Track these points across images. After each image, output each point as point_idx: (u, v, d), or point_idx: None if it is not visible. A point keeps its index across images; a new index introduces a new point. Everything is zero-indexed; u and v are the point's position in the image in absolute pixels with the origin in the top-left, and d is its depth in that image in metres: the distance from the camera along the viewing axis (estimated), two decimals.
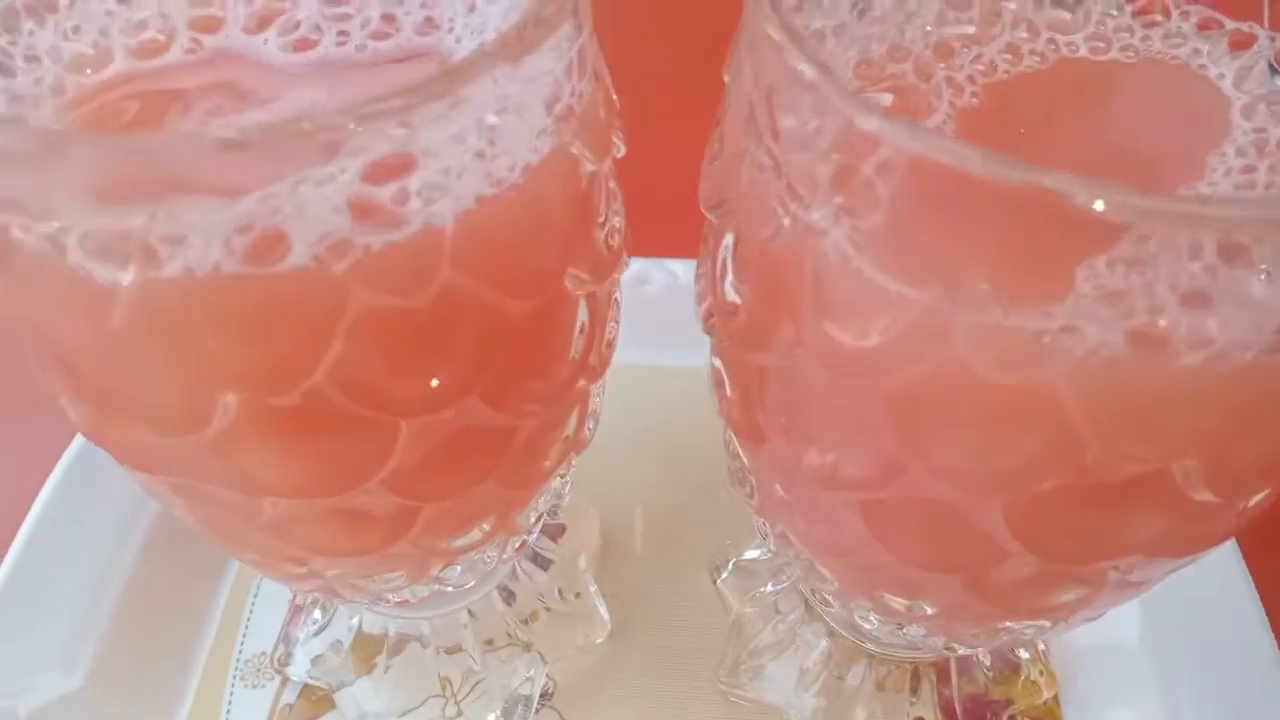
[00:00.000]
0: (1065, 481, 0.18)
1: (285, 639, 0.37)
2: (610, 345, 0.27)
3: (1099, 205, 0.15)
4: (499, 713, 0.36)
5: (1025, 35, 0.24)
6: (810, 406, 0.21)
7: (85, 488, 0.39)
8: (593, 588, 0.39)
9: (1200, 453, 0.18)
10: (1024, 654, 0.36)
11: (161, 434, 0.20)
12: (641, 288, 0.48)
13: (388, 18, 0.24)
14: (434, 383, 0.20)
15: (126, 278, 0.17)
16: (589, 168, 0.21)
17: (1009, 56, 0.24)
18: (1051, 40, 0.24)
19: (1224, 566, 0.37)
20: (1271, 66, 0.23)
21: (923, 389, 0.18)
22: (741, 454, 0.27)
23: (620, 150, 0.24)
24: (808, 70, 0.17)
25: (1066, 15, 0.24)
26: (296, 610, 0.38)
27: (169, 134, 0.20)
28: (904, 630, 0.28)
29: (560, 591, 0.38)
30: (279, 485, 0.21)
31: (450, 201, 0.18)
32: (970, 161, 0.15)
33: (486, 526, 0.26)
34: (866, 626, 0.31)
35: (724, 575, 0.39)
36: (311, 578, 0.27)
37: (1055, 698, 0.36)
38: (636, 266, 0.49)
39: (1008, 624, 0.25)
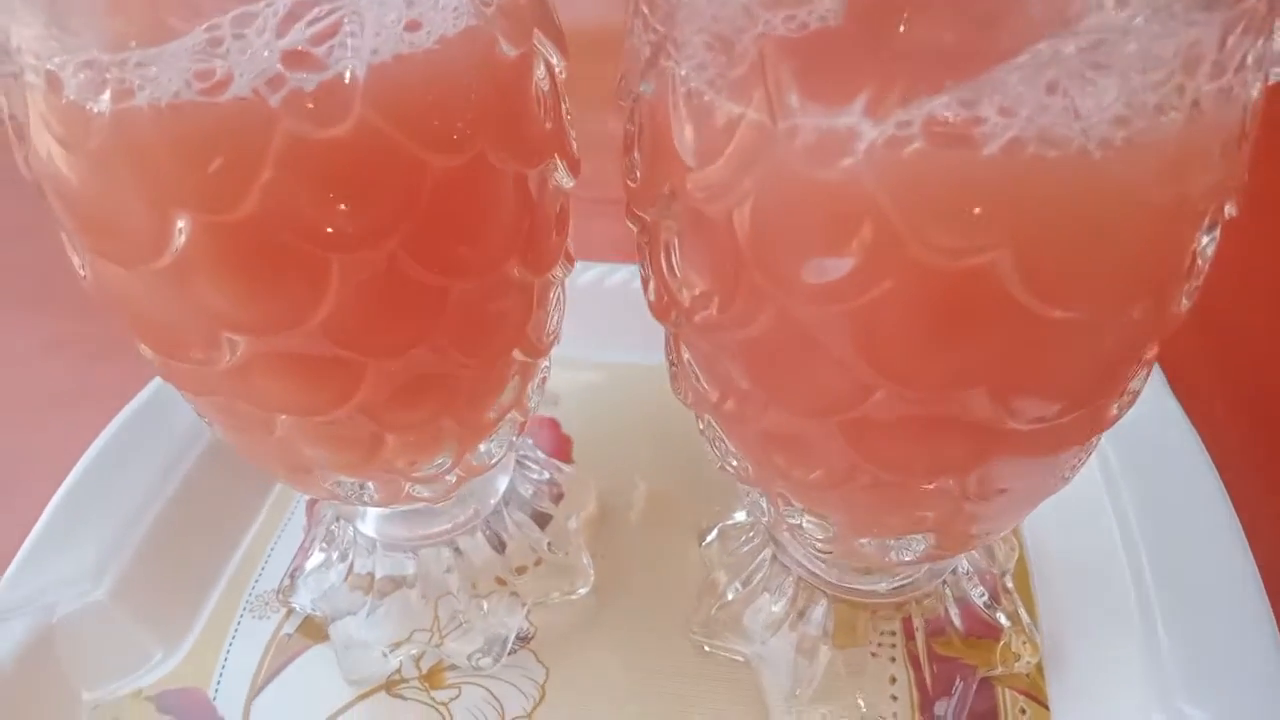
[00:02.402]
0: (897, 284, 0.20)
1: (291, 574, 0.40)
2: (554, 246, 0.29)
3: None
4: (478, 647, 0.37)
5: None
6: (691, 253, 0.23)
7: (142, 429, 0.44)
8: (582, 548, 0.40)
9: (1010, 244, 0.19)
10: (1004, 620, 0.35)
11: (136, 260, 0.24)
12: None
13: None
14: (359, 220, 0.23)
15: (105, 105, 0.22)
16: (508, 51, 0.25)
17: None
18: None
19: (1224, 542, 0.36)
20: None
21: (762, 204, 0.20)
22: (671, 346, 0.28)
23: (559, 65, 0.27)
24: None
25: None
26: (303, 552, 0.41)
27: None
28: (828, 530, 0.28)
29: (550, 546, 0.40)
30: (232, 319, 0.25)
31: (367, 53, 0.22)
32: None
33: (433, 406, 0.29)
34: (811, 548, 0.32)
35: (709, 539, 0.40)
36: (288, 458, 0.30)
37: (1038, 668, 0.35)
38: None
39: (912, 506, 0.26)
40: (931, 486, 0.24)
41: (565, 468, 0.45)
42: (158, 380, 0.46)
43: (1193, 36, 0.18)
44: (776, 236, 0.21)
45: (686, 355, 0.27)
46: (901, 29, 0.18)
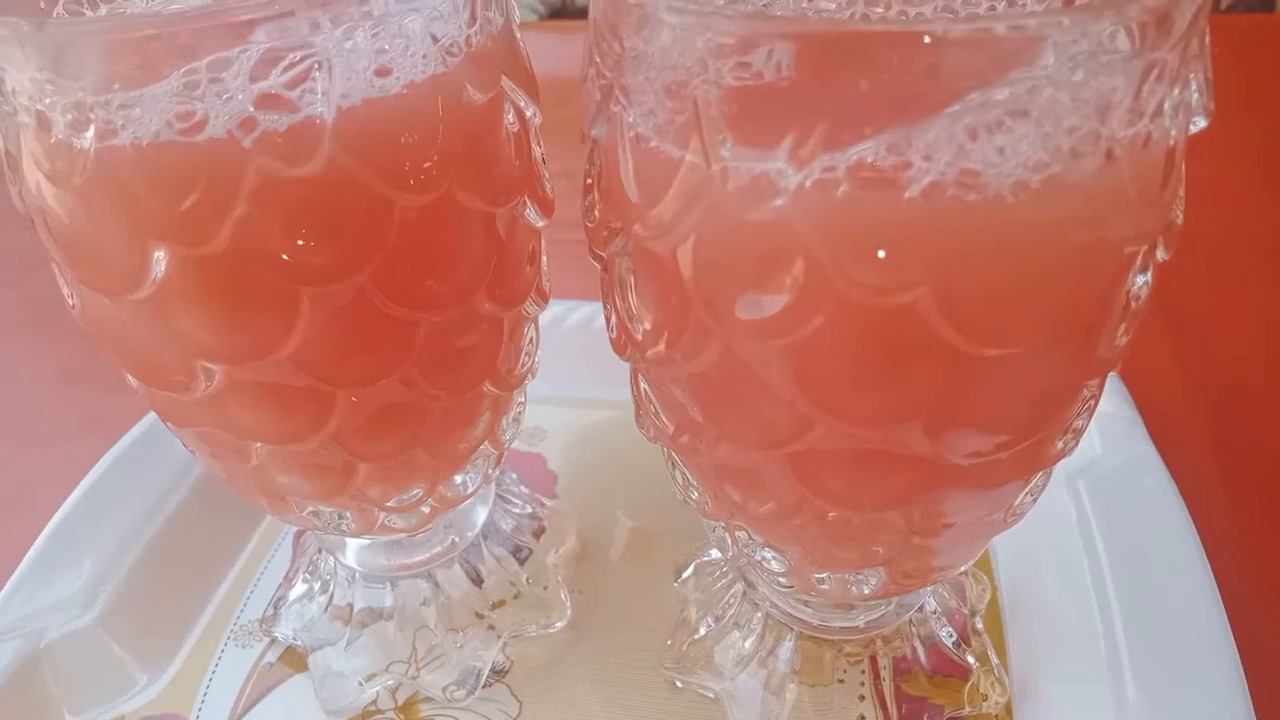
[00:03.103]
0: (828, 320, 0.21)
1: (274, 604, 0.41)
2: (523, 283, 0.30)
3: (813, 30, 0.18)
4: (453, 680, 0.38)
5: (880, 10, 0.28)
6: (642, 290, 0.24)
7: (136, 461, 0.45)
8: (562, 587, 0.41)
9: (932, 282, 0.20)
10: (972, 660, 0.35)
11: (117, 291, 0.25)
12: None
13: None
14: (327, 254, 0.25)
15: (89, 144, 0.23)
16: (475, 98, 0.26)
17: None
18: (903, 12, 0.28)
19: (1195, 588, 0.36)
20: None
21: (702, 243, 0.21)
22: (632, 376, 0.29)
23: (534, 113, 0.28)
24: None
25: None
26: (287, 581, 0.42)
27: (111, 18, 0.26)
28: (785, 564, 0.29)
29: (528, 580, 0.40)
30: (207, 349, 0.26)
31: (337, 97, 0.23)
32: (730, 20, 0.19)
33: (402, 438, 0.30)
34: (775, 583, 0.32)
35: (685, 575, 0.40)
36: (264, 487, 0.31)
37: (1007, 708, 0.35)
38: None
39: (863, 541, 0.26)
40: (877, 520, 0.25)
41: (548, 503, 0.45)
42: (150, 418, 0.48)
43: (1107, 85, 0.19)
44: (716, 274, 0.22)
45: (645, 389, 0.27)
46: (828, 73, 0.19)
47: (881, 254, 0.20)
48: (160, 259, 0.24)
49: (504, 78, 0.27)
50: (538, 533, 0.43)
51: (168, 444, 0.46)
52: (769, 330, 0.21)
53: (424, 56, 0.25)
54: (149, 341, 0.26)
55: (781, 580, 0.31)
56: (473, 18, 0.26)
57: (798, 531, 0.26)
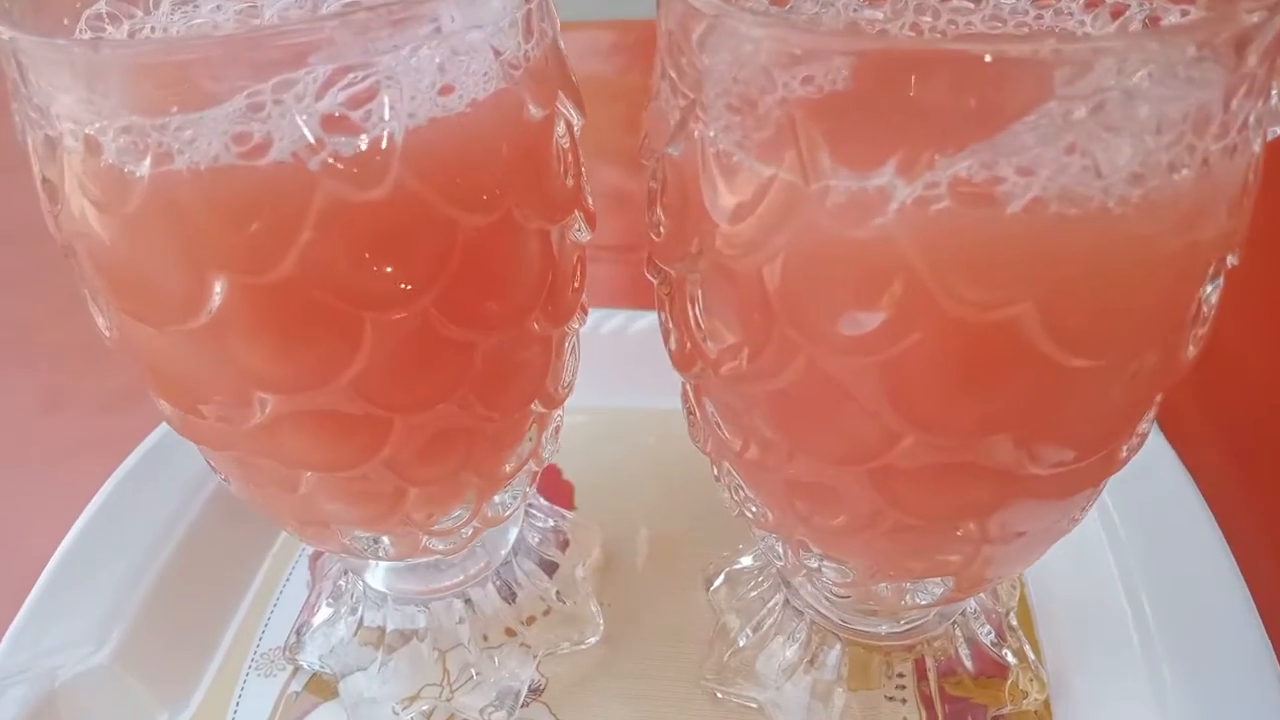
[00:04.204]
0: (926, 337, 0.21)
1: (297, 630, 0.40)
2: (571, 300, 0.30)
3: (916, 52, 0.18)
4: (490, 701, 0.37)
5: (929, 19, 0.28)
6: (719, 306, 0.24)
7: (138, 488, 0.44)
8: (591, 598, 0.40)
9: (1035, 297, 0.20)
10: (1011, 658, 0.36)
11: (169, 321, 0.24)
12: (654, 335, 0.52)
13: None
14: (392, 279, 0.24)
15: (144, 169, 0.22)
16: (535, 114, 0.25)
17: (911, 33, 0.27)
18: (952, 21, 0.28)
19: (1221, 577, 0.37)
20: (1144, 26, 0.26)
21: (794, 260, 0.21)
22: (691, 396, 0.29)
23: (577, 120, 0.28)
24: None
25: (970, 4, 0.28)
26: (309, 607, 0.41)
27: (175, 36, 0.25)
28: (847, 575, 0.29)
29: (559, 594, 0.40)
30: (264, 378, 0.25)
31: (404, 117, 0.23)
32: (823, 37, 0.19)
33: (456, 460, 0.29)
34: (826, 591, 0.32)
35: (716, 584, 0.40)
36: (309, 515, 0.30)
37: (1046, 704, 0.36)
38: (649, 318, 0.53)
39: (933, 550, 0.26)
40: (952, 530, 0.25)
41: (568, 514, 0.45)
42: (152, 439, 0.46)
43: (1203, 100, 0.19)
44: (808, 292, 0.21)
45: (709, 406, 0.27)
46: (921, 90, 0.19)
47: (985, 270, 0.20)
48: (219, 288, 0.23)
49: (559, 91, 0.26)
50: (562, 545, 0.43)
51: (171, 467, 0.45)
52: (863, 347, 0.21)
53: (486, 74, 0.24)
54: (199, 372, 0.25)
55: (837, 590, 0.30)
56: (529, 31, 0.25)
57: (868, 543, 0.26)
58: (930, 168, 0.19)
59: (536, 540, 0.41)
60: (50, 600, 0.39)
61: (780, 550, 0.31)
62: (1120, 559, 0.39)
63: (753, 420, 0.25)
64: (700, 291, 0.25)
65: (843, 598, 0.32)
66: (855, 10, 0.28)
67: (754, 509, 0.29)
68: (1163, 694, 0.34)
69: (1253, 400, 0.50)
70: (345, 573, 0.40)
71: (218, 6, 0.30)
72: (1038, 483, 0.24)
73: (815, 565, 0.29)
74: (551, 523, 0.43)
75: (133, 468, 0.45)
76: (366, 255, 0.23)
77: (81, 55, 0.21)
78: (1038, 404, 0.22)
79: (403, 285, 0.24)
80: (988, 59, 0.18)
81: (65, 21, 0.27)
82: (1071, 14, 0.27)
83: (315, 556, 0.44)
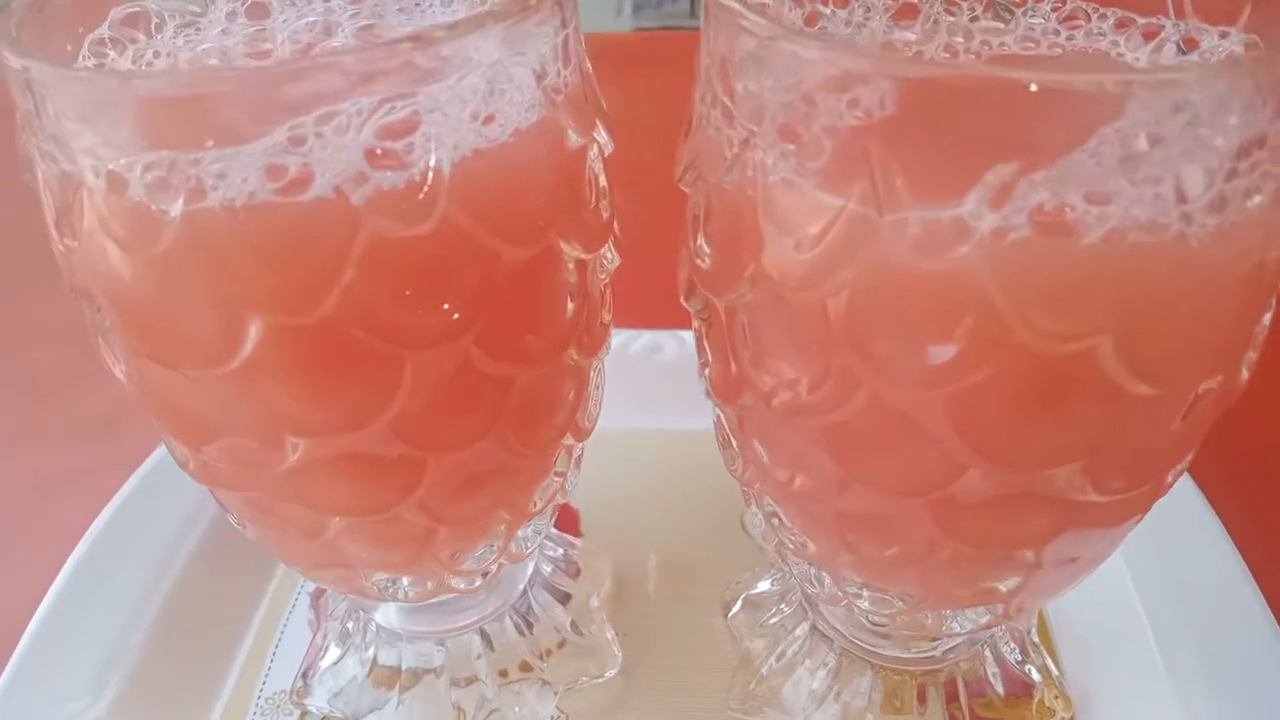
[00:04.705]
0: (999, 369, 0.20)
1: (304, 674, 0.38)
2: (603, 330, 0.29)
3: (995, 82, 0.17)
4: None
5: (961, 40, 0.28)
6: (773, 337, 0.24)
7: (128, 529, 0.42)
8: (606, 626, 0.40)
9: (1114, 328, 0.19)
10: (1036, 676, 0.36)
11: (199, 365, 0.23)
12: (652, 355, 0.51)
13: None
14: (435, 317, 0.23)
15: (176, 207, 0.21)
16: (575, 142, 0.25)
17: (946, 55, 0.27)
18: (985, 42, 0.27)
19: (1242, 598, 0.37)
20: (1178, 47, 0.26)
21: (861, 291, 0.21)
22: (729, 429, 0.28)
23: (608, 145, 0.27)
24: (753, 21, 0.20)
25: (1000, 25, 0.28)
26: (316, 648, 0.39)
27: (211, 67, 0.24)
28: (891, 607, 0.28)
29: (574, 624, 0.39)
30: (299, 422, 0.24)
31: (450, 149, 0.22)
32: (892, 64, 0.19)
33: (489, 498, 0.28)
34: (865, 622, 0.32)
35: (734, 610, 0.40)
36: (331, 559, 0.29)
37: None
38: (648, 337, 0.53)
39: (985, 578, 0.26)
40: (1008, 558, 0.25)
41: (577, 542, 0.44)
42: (137, 477, 0.44)
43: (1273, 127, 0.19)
44: (875, 324, 0.21)
45: (752, 436, 0.26)
46: (999, 118, 0.19)
47: (1064, 301, 0.19)
48: (254, 330, 0.22)
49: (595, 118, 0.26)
50: (574, 574, 0.42)
51: (160, 506, 0.43)
52: (933, 380, 0.21)
53: (529, 102, 0.23)
54: (227, 417, 0.24)
55: (875, 619, 0.30)
56: (567, 57, 0.24)
57: (920, 574, 0.26)
58: (1010, 198, 0.19)
59: (549, 570, 0.40)
60: (41, 651, 0.37)
61: (815, 578, 0.30)
62: (1131, 566, 0.39)
63: (805, 452, 0.25)
64: (751, 321, 0.24)
65: (878, 625, 0.31)
66: (888, 31, 0.28)
67: (793, 539, 0.29)
68: (1187, 703, 0.34)
69: (1256, 406, 0.51)
70: (352, 611, 0.38)
71: (224, 30, 0.29)
72: (1095, 510, 0.24)
73: (857, 593, 0.29)
74: (561, 551, 0.42)
75: (120, 507, 0.42)
76: (409, 292, 0.22)
77: (112, 88, 0.20)
78: (1106, 433, 0.21)
79: (445, 322, 0.23)
80: (1069, 87, 0.18)
81: (68, 48, 0.26)
82: (1104, 34, 0.27)
83: (317, 594, 0.42)
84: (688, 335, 0.52)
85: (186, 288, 0.22)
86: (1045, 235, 0.19)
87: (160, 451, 0.45)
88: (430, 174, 0.21)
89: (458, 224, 0.22)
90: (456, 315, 0.23)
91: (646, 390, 0.49)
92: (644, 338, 0.52)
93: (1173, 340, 0.20)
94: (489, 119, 0.22)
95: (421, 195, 0.21)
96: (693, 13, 1.98)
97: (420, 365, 0.23)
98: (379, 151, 0.21)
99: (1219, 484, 0.43)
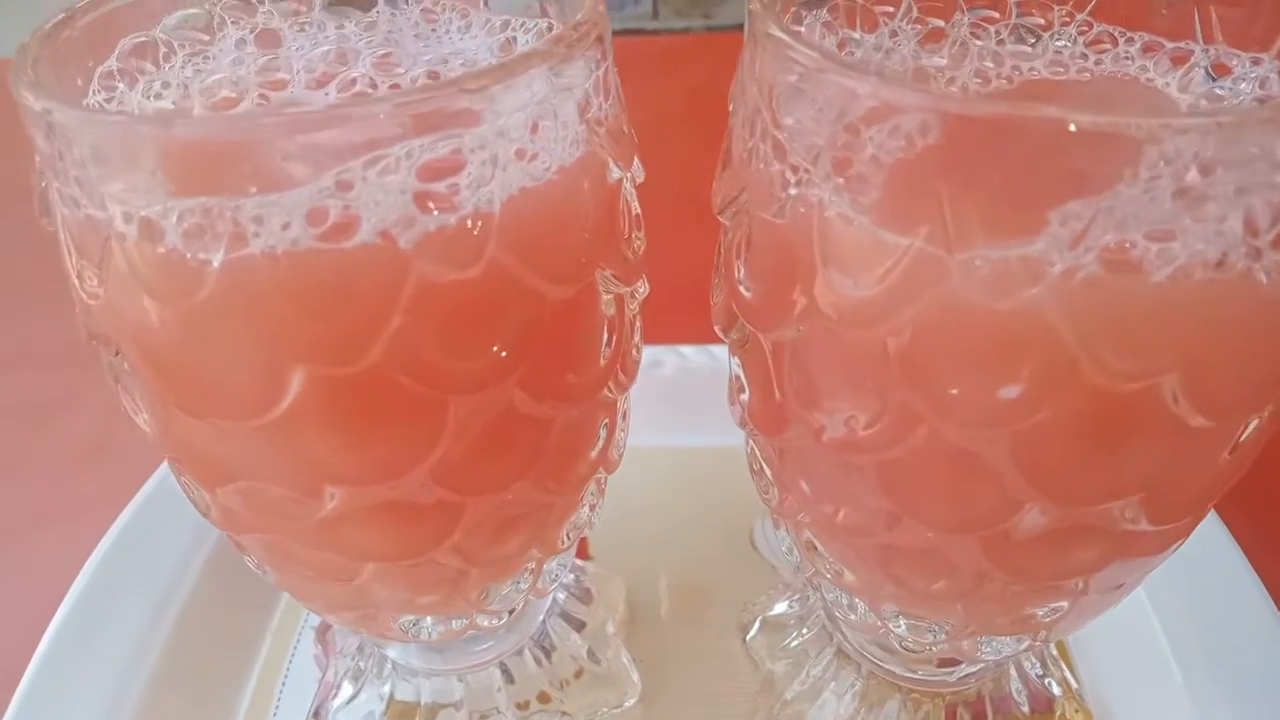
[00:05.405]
0: (1064, 407, 0.20)
1: (315, 713, 0.37)
2: (634, 364, 0.29)
3: (1069, 123, 0.17)
4: None
5: (991, 64, 0.28)
6: (825, 372, 0.23)
7: (121, 570, 0.40)
8: (623, 652, 0.39)
9: (1181, 365, 0.19)
10: (1056, 690, 0.36)
11: (235, 417, 0.22)
12: (652, 371, 0.51)
13: (433, 75, 0.27)
14: (481, 361, 0.22)
15: (216, 256, 0.20)
16: (615, 175, 0.24)
17: (979, 80, 0.27)
18: (1016, 67, 0.27)
19: (1252, 602, 0.38)
20: (1207, 72, 0.26)
21: (925, 329, 0.20)
22: (763, 460, 0.28)
23: (640, 174, 0.27)
24: (807, 54, 0.20)
25: (1028, 49, 0.28)
26: (327, 686, 0.38)
27: (256, 112, 0.23)
28: (933, 635, 0.28)
29: (591, 652, 0.38)
30: (338, 471, 0.23)
31: (498, 189, 0.21)
32: (958, 103, 0.18)
33: (523, 537, 0.27)
34: (898, 647, 0.31)
35: (752, 633, 0.39)
36: (358, 602, 0.28)
37: None
38: (648, 352, 0.52)
39: (1029, 607, 0.26)
40: (1058, 589, 0.25)
41: (588, 566, 0.43)
42: (129, 513, 0.42)
43: None
44: (938, 362, 0.21)
45: (797, 472, 0.26)
46: (1067, 157, 0.19)
47: (1134, 340, 0.19)
48: (296, 380, 0.21)
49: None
50: (587, 600, 0.41)
51: (153, 547, 0.42)
52: (998, 418, 0.21)
53: (572, 138, 0.23)
54: (262, 467, 0.23)
55: (908, 645, 0.30)
56: (607, 89, 0.24)
57: (967, 605, 0.26)
58: (1083, 237, 0.18)
59: (563, 597, 0.40)
60: (39, 700, 0.36)
61: (848, 605, 0.30)
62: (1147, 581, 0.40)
63: (854, 487, 0.24)
64: (799, 355, 0.24)
65: (909, 650, 0.31)
66: (917, 58, 0.28)
67: (830, 568, 0.28)
68: (1204, 711, 0.34)
69: None
70: (365, 647, 0.37)
71: (236, 59, 0.28)
72: (1145, 539, 0.24)
73: (893, 622, 0.28)
74: (573, 577, 0.42)
75: (112, 546, 0.41)
76: (455, 336, 0.22)
77: (148, 134, 0.19)
78: (1166, 466, 0.21)
79: (491, 365, 0.22)
80: (1136, 129, 0.18)
81: (79, 82, 0.25)
82: (1131, 59, 0.27)
83: (323, 630, 0.41)
84: (688, 350, 0.52)
85: (224, 338, 0.21)
86: (1115, 274, 0.19)
87: (152, 485, 0.44)
88: (480, 215, 0.21)
89: (505, 265, 0.21)
90: (502, 357, 0.22)
91: (646, 407, 0.49)
92: (644, 354, 0.52)
93: (1234, 374, 0.20)
94: (535, 156, 0.22)
95: (472, 237, 0.21)
96: (655, 15, 1.98)
97: (464, 410, 0.23)
98: (426, 193, 0.20)
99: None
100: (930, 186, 0.19)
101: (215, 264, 0.20)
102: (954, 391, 0.21)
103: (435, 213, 0.20)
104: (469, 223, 0.21)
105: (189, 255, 0.20)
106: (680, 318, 0.44)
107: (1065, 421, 0.20)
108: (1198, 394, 0.20)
